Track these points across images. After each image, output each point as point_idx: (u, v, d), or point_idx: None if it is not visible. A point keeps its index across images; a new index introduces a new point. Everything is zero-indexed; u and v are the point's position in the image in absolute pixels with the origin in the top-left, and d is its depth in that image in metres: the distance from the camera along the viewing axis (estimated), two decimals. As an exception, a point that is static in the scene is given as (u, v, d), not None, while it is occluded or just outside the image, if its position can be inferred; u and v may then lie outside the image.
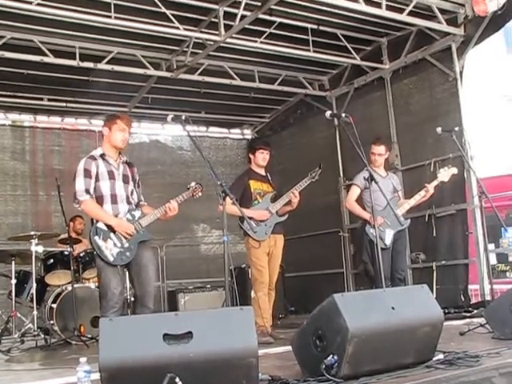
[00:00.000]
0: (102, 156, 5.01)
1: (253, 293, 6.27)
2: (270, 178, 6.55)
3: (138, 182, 5.23)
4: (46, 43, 7.66)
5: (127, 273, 5.14)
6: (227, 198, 5.81)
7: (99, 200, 4.92)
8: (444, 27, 7.75)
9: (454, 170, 6.68)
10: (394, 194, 6.64)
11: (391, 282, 6.31)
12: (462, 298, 7.58)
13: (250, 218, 6.03)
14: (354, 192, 6.64)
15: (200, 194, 5.13)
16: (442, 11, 7.65)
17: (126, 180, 5.06)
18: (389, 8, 7.21)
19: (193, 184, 5.13)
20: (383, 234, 6.34)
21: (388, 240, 6.39)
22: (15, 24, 7.22)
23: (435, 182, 6.56)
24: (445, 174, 6.61)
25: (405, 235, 6.69)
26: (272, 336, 6.01)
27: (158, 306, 9.45)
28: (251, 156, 6.50)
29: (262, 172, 6.52)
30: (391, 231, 6.42)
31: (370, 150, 6.59)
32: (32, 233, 7.02)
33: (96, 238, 4.83)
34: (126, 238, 4.86)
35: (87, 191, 4.87)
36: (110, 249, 4.81)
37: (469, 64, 8.14)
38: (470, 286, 7.77)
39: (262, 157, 6.43)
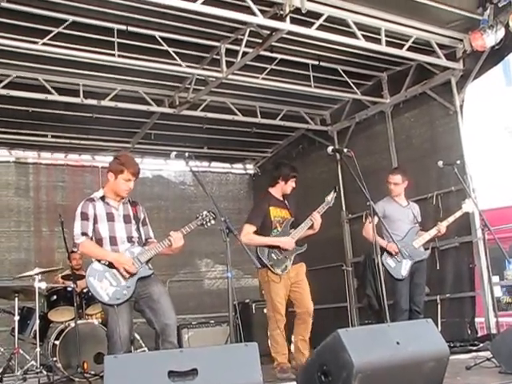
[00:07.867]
0: (102, 198, 4.89)
1: (269, 330, 6.02)
2: (287, 203, 6.26)
3: (143, 220, 5.06)
4: (50, 81, 7.75)
5: (143, 315, 4.85)
6: (247, 226, 5.89)
7: (99, 243, 4.79)
8: (443, 62, 7.85)
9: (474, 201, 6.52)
10: (414, 224, 6.56)
11: (409, 315, 6.18)
12: (469, 331, 7.50)
13: (276, 247, 5.88)
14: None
15: (213, 221, 4.85)
16: (441, 46, 7.75)
17: (127, 220, 4.92)
18: (388, 44, 7.31)
19: (204, 213, 4.88)
20: (400, 264, 6.27)
21: (405, 271, 6.27)
22: (21, 63, 7.32)
23: (459, 213, 6.46)
24: (470, 204, 6.44)
25: (423, 267, 6.51)
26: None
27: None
28: (281, 182, 6.16)
29: (281, 197, 6.25)
30: (408, 262, 6.28)
31: (386, 180, 6.60)
32: (36, 270, 6.97)
33: (91, 278, 4.65)
34: (124, 277, 4.67)
35: (83, 234, 4.75)
36: (105, 289, 4.63)
37: (469, 97, 8.21)
38: (476, 319, 7.70)
39: (292, 186, 6.22)
